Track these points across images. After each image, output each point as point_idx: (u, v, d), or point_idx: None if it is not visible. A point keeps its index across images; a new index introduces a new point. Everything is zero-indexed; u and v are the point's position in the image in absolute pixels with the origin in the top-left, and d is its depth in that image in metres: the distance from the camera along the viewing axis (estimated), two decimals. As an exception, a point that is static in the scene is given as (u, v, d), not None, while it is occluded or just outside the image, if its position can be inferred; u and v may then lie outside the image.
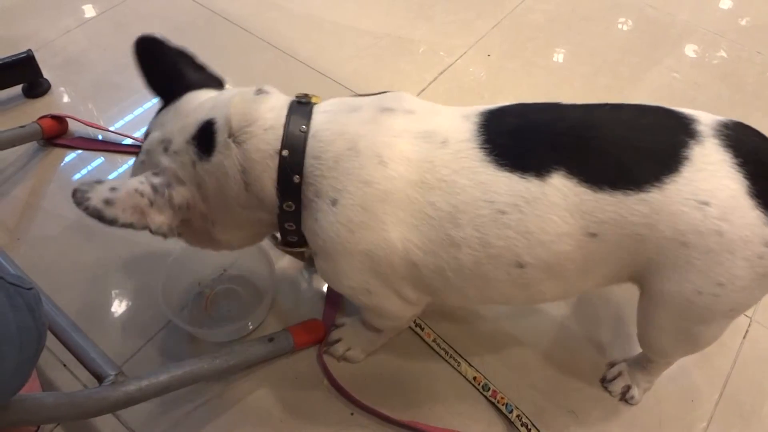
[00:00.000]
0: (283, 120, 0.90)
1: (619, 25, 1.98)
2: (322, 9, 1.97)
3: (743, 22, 2.01)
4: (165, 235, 0.93)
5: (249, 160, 0.89)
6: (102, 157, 1.56)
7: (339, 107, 0.93)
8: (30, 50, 1.63)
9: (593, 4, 2.04)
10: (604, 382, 1.20)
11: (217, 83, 1.03)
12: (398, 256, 0.89)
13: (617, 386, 1.18)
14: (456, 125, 0.89)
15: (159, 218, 0.89)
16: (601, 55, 1.88)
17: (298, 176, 0.89)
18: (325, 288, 1.32)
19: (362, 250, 0.88)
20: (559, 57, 1.88)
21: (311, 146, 0.89)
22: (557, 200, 0.83)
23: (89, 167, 1.54)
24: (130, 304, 1.30)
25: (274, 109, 0.91)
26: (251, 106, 0.90)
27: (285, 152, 0.88)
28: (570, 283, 0.93)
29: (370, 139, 0.87)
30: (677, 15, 2.02)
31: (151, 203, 0.88)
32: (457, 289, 0.93)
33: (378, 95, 0.96)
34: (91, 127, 1.60)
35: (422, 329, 1.25)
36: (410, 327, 1.26)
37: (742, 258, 0.83)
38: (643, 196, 0.82)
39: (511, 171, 0.84)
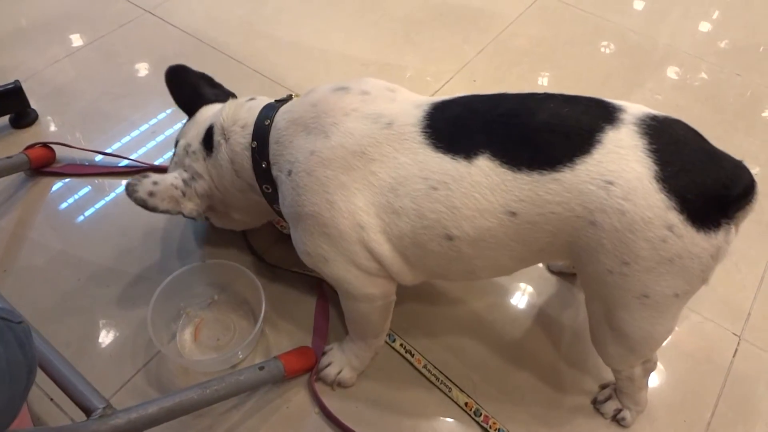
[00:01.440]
0: (254, 117, 1.10)
1: (602, 49, 2.02)
2: (309, 37, 2.00)
3: (722, 45, 2.05)
4: (195, 218, 1.23)
5: (233, 153, 1.12)
6: (89, 186, 1.56)
7: (304, 95, 1.10)
8: (18, 81, 1.64)
9: (576, 29, 2.08)
10: (596, 403, 1.20)
11: (227, 96, 1.28)
12: (343, 218, 0.97)
13: (609, 408, 1.18)
14: (405, 110, 1.00)
15: (189, 205, 1.19)
16: (585, 78, 1.91)
17: (265, 162, 1.07)
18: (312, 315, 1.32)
19: (309, 212, 0.99)
20: (544, 81, 1.90)
21: (272, 135, 1.07)
22: (480, 179, 0.91)
23: (76, 196, 1.53)
24: (117, 334, 1.29)
25: (251, 109, 1.13)
26: (237, 110, 1.14)
27: (254, 143, 1.09)
28: (499, 259, 1.00)
29: (319, 117, 1.01)
30: (658, 39, 2.06)
31: (183, 194, 1.17)
32: (403, 257, 1.01)
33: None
34: (83, 150, 1.60)
35: (412, 355, 1.25)
36: (400, 353, 1.25)
37: (644, 239, 0.86)
38: (556, 175, 0.88)
39: (444, 153, 0.94)
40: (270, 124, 1.07)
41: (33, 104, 1.69)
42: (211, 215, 1.28)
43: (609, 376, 1.23)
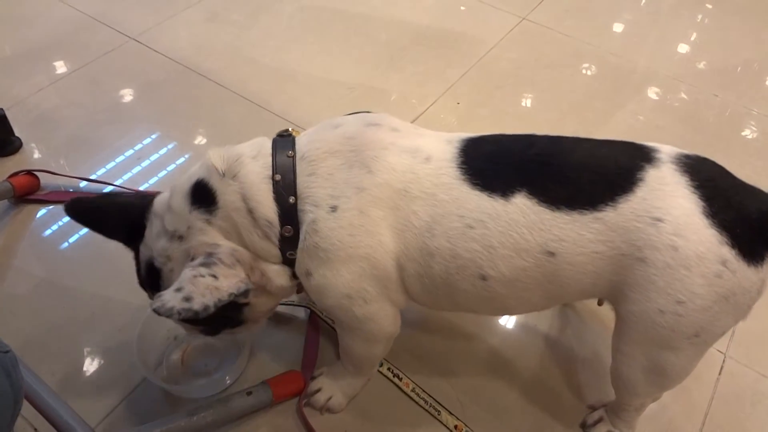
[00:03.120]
0: (268, 150, 0.97)
1: (583, 71, 2.05)
2: (294, 62, 2.01)
3: (701, 66, 2.09)
4: (247, 294, 0.95)
5: (247, 185, 0.94)
6: (74, 213, 1.55)
7: (321, 127, 1.01)
8: (1, 109, 1.63)
9: (557, 53, 2.11)
10: (585, 427, 1.20)
11: (151, 195, 1.05)
12: (391, 259, 0.94)
13: (600, 431, 1.17)
14: (439, 146, 0.97)
15: (229, 282, 0.91)
16: (567, 100, 1.94)
17: (293, 197, 0.94)
18: (303, 337, 1.31)
19: (362, 255, 0.93)
20: (527, 102, 1.93)
21: (302, 167, 0.95)
22: (518, 218, 0.89)
23: (60, 222, 1.52)
24: (103, 362, 1.27)
25: (255, 144, 0.99)
26: (227, 150, 0.97)
27: (277, 177, 0.94)
28: (533, 299, 0.97)
29: (359, 152, 0.94)
30: (638, 61, 2.10)
31: (215, 276, 0.90)
32: (432, 294, 0.99)
33: (360, 114, 1.03)
34: (67, 177, 1.59)
35: (400, 379, 1.24)
36: (388, 378, 1.25)
37: (699, 275, 0.85)
38: (598, 215, 0.87)
39: (481, 190, 0.91)
40: (294, 157, 0.96)
41: (17, 132, 1.68)
42: (251, 295, 0.99)
43: (597, 396, 1.23)
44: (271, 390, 1.17)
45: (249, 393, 1.16)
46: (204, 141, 1.75)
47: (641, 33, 2.23)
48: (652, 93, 1.98)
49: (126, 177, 1.63)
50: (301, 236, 0.95)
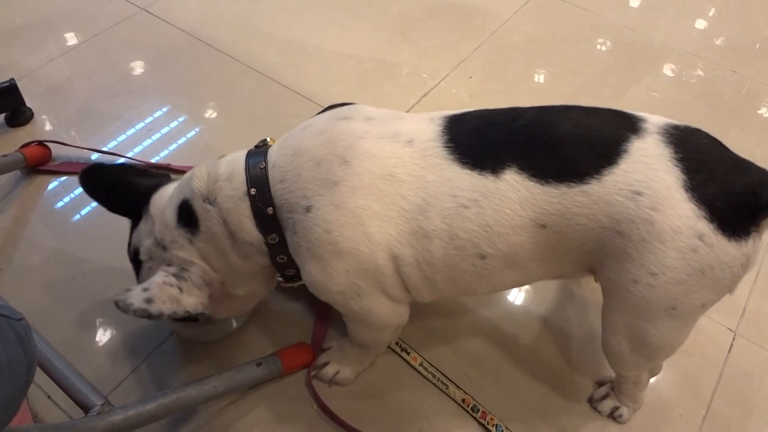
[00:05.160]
0: (241, 167, 0.98)
1: (598, 47, 2.02)
2: (305, 34, 1.99)
3: (718, 42, 2.05)
4: (203, 315, 1.02)
5: (225, 211, 0.97)
6: (86, 185, 1.55)
7: (292, 131, 1.01)
8: (12, 79, 1.63)
9: (572, 26, 2.08)
10: (592, 401, 1.20)
11: (166, 178, 1.12)
12: (380, 250, 0.92)
13: (606, 406, 1.18)
14: (420, 127, 0.95)
15: (191, 300, 0.98)
16: (581, 75, 1.91)
17: (270, 207, 0.95)
18: (313, 310, 1.32)
19: (345, 249, 0.92)
20: (540, 78, 1.90)
21: (273, 175, 0.95)
22: (510, 194, 0.89)
23: (72, 194, 1.53)
24: (114, 332, 1.28)
25: (230, 162, 1.00)
26: (211, 169, 0.99)
27: (253, 190, 0.95)
28: (526, 271, 0.98)
29: (329, 145, 0.93)
30: (654, 36, 2.06)
31: (181, 290, 0.97)
32: (430, 282, 0.98)
33: (331, 109, 1.02)
34: (79, 148, 1.60)
35: (408, 354, 1.25)
36: (396, 352, 1.25)
37: (674, 248, 0.85)
38: (584, 187, 0.87)
39: (471, 168, 0.90)
40: (266, 167, 0.96)
41: (28, 103, 1.68)
42: (213, 309, 1.06)
43: (604, 372, 1.24)
44: (281, 361, 1.19)
45: (259, 364, 1.17)
46: (215, 115, 1.74)
47: (658, 7, 2.19)
48: (668, 69, 1.95)
49: (137, 150, 1.63)
50: (288, 238, 0.96)
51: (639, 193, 0.85)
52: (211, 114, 1.75)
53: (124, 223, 1.11)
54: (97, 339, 1.27)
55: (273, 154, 0.98)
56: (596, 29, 2.07)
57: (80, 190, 1.53)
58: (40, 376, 1.06)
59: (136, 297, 0.92)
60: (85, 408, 1.00)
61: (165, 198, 1.03)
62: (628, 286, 0.90)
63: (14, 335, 0.78)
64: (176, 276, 0.98)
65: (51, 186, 1.55)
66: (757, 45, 2.05)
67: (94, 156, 1.60)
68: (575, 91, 1.85)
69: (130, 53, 1.91)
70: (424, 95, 1.81)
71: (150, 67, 1.87)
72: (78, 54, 1.90)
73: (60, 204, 1.52)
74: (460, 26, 2.05)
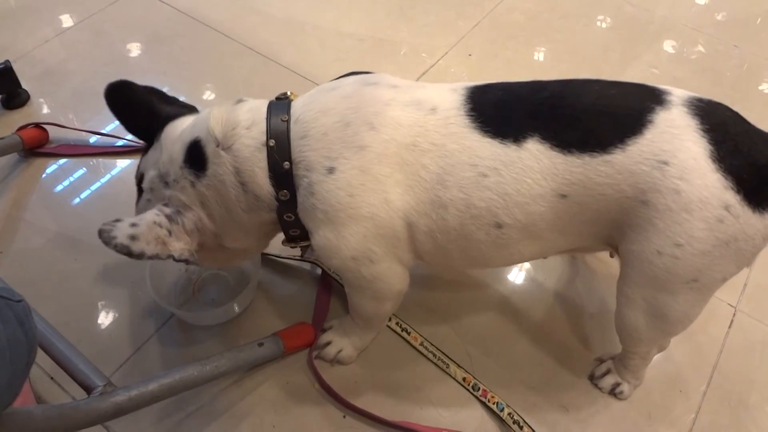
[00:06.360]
0: (262, 116, 0.95)
1: (598, 23, 2.00)
2: (303, 13, 1.97)
3: (719, 17, 2.03)
4: (187, 261, 0.99)
5: (240, 160, 0.94)
6: (84, 168, 1.55)
7: (317, 90, 0.99)
8: (8, 61, 1.62)
9: (572, 2, 2.06)
10: (593, 378, 1.21)
11: (190, 110, 1.07)
12: (398, 217, 0.93)
13: (607, 383, 1.18)
14: (443, 96, 0.95)
15: (179, 245, 0.96)
16: (581, 52, 1.89)
17: (287, 162, 0.93)
18: (313, 291, 1.32)
19: (365, 215, 0.92)
20: (539, 55, 1.89)
21: (295, 131, 0.94)
22: (532, 164, 0.88)
23: (71, 178, 1.52)
24: (116, 314, 1.29)
25: (252, 110, 0.97)
26: (230, 114, 0.96)
27: (271, 142, 0.93)
28: (544, 242, 0.97)
29: (358, 109, 0.92)
30: (655, 11, 2.04)
31: (170, 232, 0.94)
32: (443, 251, 0.98)
33: (357, 74, 1.01)
34: (76, 130, 1.59)
35: (409, 333, 1.25)
36: (396, 332, 1.26)
37: (700, 219, 0.84)
38: (607, 157, 0.86)
39: (493, 137, 0.90)
40: (288, 120, 0.94)
41: (24, 85, 1.67)
42: (202, 257, 1.05)
43: (605, 348, 1.24)
44: (282, 342, 1.19)
45: (260, 344, 1.17)
46: (213, 96, 1.73)
47: (659, -18, 2.16)
48: (669, 45, 1.93)
49: (135, 131, 1.62)
50: (299, 198, 0.95)
51: (666, 163, 0.84)
52: (209, 95, 1.73)
53: (124, 205, 1.11)
54: (99, 321, 1.28)
55: (297, 108, 0.96)
56: (596, 5, 2.05)
57: (80, 173, 1.53)
58: (42, 358, 1.06)
59: (121, 230, 0.89)
60: (88, 389, 1.01)
61: (178, 131, 1.00)
62: (651, 258, 0.90)
63: (14, 316, 0.78)
64: (169, 218, 0.95)
65: (50, 169, 1.54)
66: (759, 20, 2.03)
67: (93, 139, 1.59)
68: (576, 68, 1.84)
69: (125, 34, 1.89)
70: (423, 73, 1.80)
71: (146, 47, 1.85)
72: (73, 35, 1.88)
73: (59, 187, 1.51)
74: (458, 3, 2.03)
